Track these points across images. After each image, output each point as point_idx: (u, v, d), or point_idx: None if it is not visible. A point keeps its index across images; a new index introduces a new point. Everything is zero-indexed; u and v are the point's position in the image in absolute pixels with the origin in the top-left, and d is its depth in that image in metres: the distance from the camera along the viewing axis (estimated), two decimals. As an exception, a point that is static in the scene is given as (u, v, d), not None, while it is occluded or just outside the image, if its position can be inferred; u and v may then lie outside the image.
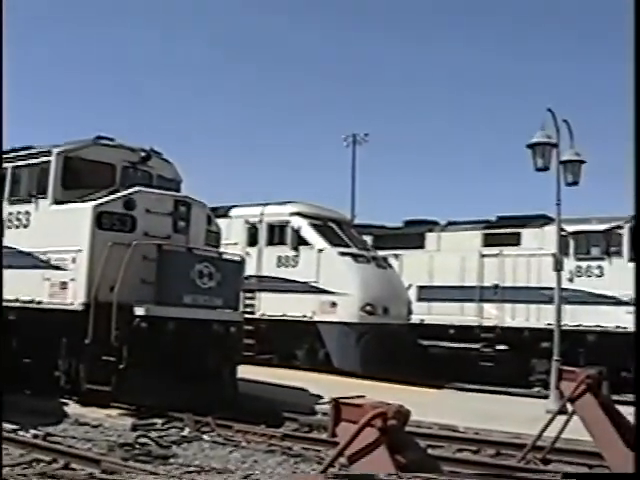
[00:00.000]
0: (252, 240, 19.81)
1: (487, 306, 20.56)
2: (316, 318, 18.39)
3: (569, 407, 9.12)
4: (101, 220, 12.23)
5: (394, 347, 17.88)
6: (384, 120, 73.22)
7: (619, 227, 19.38)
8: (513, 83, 75.28)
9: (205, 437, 10.65)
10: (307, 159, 79.80)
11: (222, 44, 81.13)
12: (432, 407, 13.61)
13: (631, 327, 18.27)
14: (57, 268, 12.33)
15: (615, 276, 19.02)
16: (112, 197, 12.59)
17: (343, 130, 53.86)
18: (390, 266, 20.11)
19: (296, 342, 18.79)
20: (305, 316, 18.48)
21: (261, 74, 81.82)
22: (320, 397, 13.74)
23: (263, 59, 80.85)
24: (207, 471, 8.57)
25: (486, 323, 20.45)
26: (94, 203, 12.35)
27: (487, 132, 76.71)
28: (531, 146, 14.71)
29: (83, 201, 12.57)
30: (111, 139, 13.88)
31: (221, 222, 15.72)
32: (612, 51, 71.86)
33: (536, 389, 18.68)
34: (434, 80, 78.02)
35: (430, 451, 9.98)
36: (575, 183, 15.19)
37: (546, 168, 14.74)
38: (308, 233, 19.06)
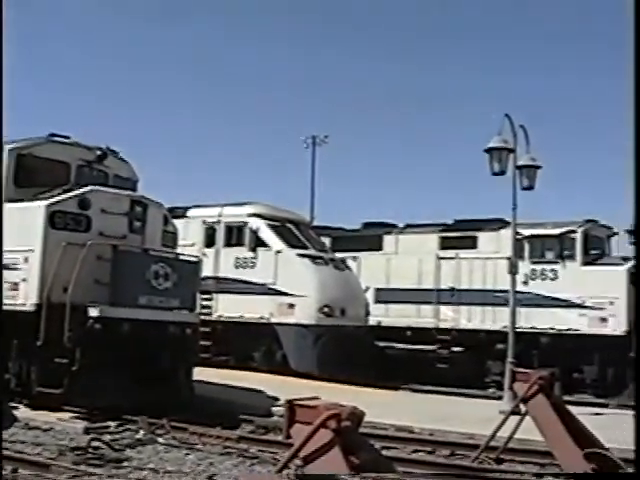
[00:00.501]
0: (210, 241, 19.65)
1: (443, 308, 20.72)
2: (273, 320, 18.32)
3: (522, 407, 9.23)
4: (54, 219, 11.98)
5: (351, 349, 17.87)
6: (344, 123, 73.51)
7: (573, 231, 19.67)
8: (472, 92, 76.01)
9: (160, 440, 10.50)
10: (267, 161, 79.71)
11: (185, 46, 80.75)
12: (388, 408, 13.62)
13: (583, 329, 18.83)
14: (8, 268, 12.06)
15: (568, 279, 19.34)
16: (66, 196, 12.32)
17: (303, 132, 53.86)
18: (348, 268, 20.10)
19: (253, 344, 18.69)
20: (262, 317, 18.39)
21: (222, 75, 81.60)
22: (277, 399, 13.67)
23: (226, 61, 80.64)
24: (161, 474, 8.46)
25: (442, 325, 20.61)
26: (47, 202, 12.08)
27: (447, 137, 77.44)
28: (488, 151, 14.80)
29: (36, 200, 12.30)
30: (66, 137, 13.59)
31: (178, 223, 15.52)
32: (572, 59, 72.96)
33: (491, 390, 18.84)
34: (392, 84, 78.49)
35: (385, 452, 9.96)
36: (530, 187, 15.31)
37: (502, 172, 14.83)
38: (266, 234, 18.96)
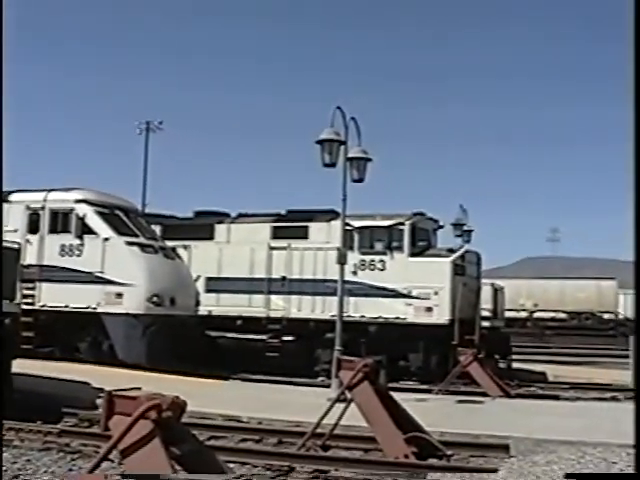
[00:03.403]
0: (34, 227, 18.76)
1: (274, 298, 20.71)
2: (100, 309, 17.80)
3: (348, 394, 9.43)
4: None
5: (181, 339, 17.72)
6: (178, 109, 72.79)
7: (401, 224, 20.08)
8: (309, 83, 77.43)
9: (-29, 438, 9.90)
10: (97, 147, 77.65)
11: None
12: (218, 398, 13.62)
13: (409, 318, 19.32)
14: None
15: (396, 270, 19.78)
16: None
17: (137, 117, 52.71)
18: (179, 257, 19.93)
19: (79, 334, 18.10)
20: (89, 307, 17.82)
21: (54, 49, 78.52)
22: (103, 391, 13.22)
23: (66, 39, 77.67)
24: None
25: (273, 314, 20.62)
26: None
27: (282, 127, 78.52)
28: (320, 142, 14.84)
29: None
30: None
31: (-2, 208, 14.69)
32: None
33: (320, 379, 19.03)
34: (228, 71, 78.62)
35: (213, 442, 9.93)
36: (360, 180, 15.45)
37: (333, 164, 14.91)
38: (94, 221, 18.36)
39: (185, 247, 21.16)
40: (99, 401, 12.54)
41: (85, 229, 18.31)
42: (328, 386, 15.04)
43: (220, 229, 21.74)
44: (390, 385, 14.06)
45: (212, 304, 20.68)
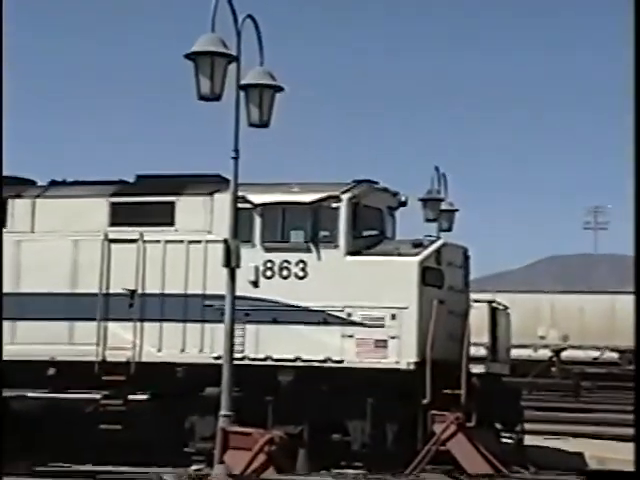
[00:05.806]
0: None
1: (115, 327, 19.71)
2: None
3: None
4: None
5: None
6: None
7: (334, 199, 19.17)
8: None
9: None
10: None
11: None
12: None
13: (348, 359, 18.46)
14: None
15: (325, 278, 19.02)
16: None
17: None
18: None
19: None
20: None
21: None
22: None
23: None
24: None
25: (112, 357, 19.53)
26: None
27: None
28: (192, 57, 14.83)
29: None
30: None
31: None
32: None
33: (194, 468, 18.20)
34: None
35: None
36: (264, 124, 15.68)
37: (216, 97, 15.04)
38: None
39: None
40: None
41: None
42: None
43: (18, 209, 20.62)
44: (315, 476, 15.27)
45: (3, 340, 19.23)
